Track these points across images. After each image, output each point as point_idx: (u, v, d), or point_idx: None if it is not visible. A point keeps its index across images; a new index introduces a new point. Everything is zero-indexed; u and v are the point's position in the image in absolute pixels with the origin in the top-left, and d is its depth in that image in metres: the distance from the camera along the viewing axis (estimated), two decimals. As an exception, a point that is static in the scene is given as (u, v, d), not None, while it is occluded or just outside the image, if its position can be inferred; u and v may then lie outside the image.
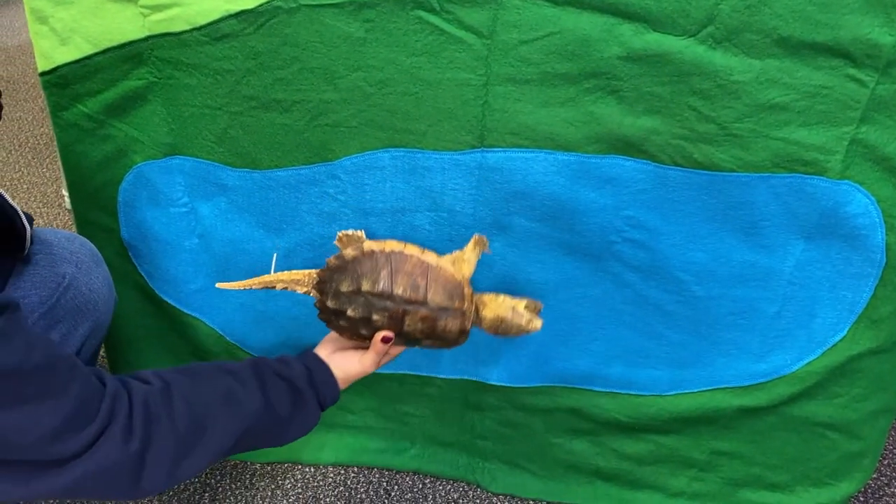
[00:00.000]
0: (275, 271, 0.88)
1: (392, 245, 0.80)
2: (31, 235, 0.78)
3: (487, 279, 0.89)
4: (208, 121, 0.85)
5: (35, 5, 0.81)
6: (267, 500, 1.11)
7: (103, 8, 0.80)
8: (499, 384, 1.01)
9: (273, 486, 1.13)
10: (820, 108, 0.72)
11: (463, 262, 0.81)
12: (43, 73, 0.85)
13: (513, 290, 0.90)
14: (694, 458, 1.01)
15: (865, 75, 0.70)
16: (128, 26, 0.80)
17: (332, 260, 0.82)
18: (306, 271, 0.85)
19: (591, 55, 0.73)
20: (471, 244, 0.82)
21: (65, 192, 1.71)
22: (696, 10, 0.69)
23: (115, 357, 1.12)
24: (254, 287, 0.86)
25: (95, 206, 0.95)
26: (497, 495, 1.12)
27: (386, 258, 0.79)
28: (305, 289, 0.85)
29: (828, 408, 0.91)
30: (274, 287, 0.85)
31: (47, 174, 1.89)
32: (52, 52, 0.83)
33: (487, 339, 0.89)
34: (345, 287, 0.79)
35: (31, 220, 0.79)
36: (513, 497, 1.12)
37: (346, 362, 0.82)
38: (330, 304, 0.81)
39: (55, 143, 0.92)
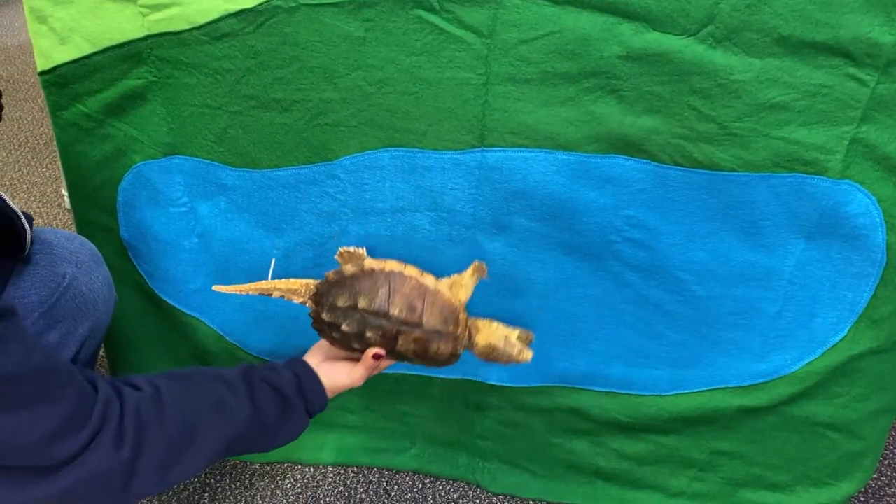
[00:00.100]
0: (272, 278, 0.88)
1: (392, 265, 0.80)
2: (32, 237, 0.78)
3: (488, 279, 0.89)
4: (208, 120, 0.85)
5: (34, 5, 0.81)
6: (267, 499, 1.11)
7: (102, 7, 0.79)
8: (499, 384, 1.01)
9: (273, 486, 1.13)
10: (820, 107, 0.72)
11: (460, 288, 0.81)
12: (42, 73, 0.85)
13: (513, 290, 0.90)
14: (694, 458, 1.01)
15: (866, 74, 0.70)
16: (127, 26, 0.80)
17: (331, 274, 0.82)
18: (304, 281, 0.85)
19: (591, 54, 0.73)
20: (470, 270, 0.83)
21: (64, 192, 1.71)
22: (696, 9, 0.69)
23: (115, 357, 1.11)
24: (250, 293, 0.86)
25: (95, 206, 0.95)
26: (497, 495, 1.12)
27: (385, 278, 0.79)
28: (301, 299, 0.85)
29: (828, 408, 0.91)
30: (270, 294, 0.86)
31: (47, 174, 1.89)
32: (51, 52, 0.83)
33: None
34: (341, 302, 0.80)
35: (30, 220, 0.79)
36: (513, 497, 1.11)
37: (335, 373, 0.83)
38: (325, 316, 0.81)
39: (55, 142, 0.92)
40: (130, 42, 0.81)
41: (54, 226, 1.70)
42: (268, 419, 0.75)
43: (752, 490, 1.01)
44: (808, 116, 0.73)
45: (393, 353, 0.81)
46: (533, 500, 1.11)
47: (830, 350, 0.87)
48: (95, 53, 0.82)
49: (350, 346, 0.82)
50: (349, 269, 0.81)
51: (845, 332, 0.86)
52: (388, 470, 1.15)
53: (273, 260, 0.92)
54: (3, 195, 0.74)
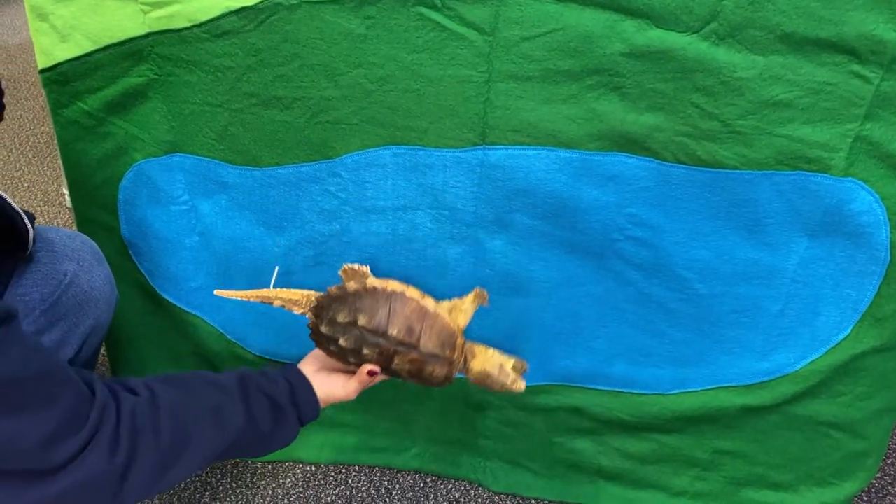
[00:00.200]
0: (274, 286, 0.88)
1: (395, 285, 0.81)
2: (34, 236, 0.78)
3: (489, 278, 0.89)
4: (209, 118, 0.85)
5: (35, 2, 0.81)
6: (268, 498, 1.11)
7: (103, 5, 0.79)
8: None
9: (274, 485, 1.13)
10: (824, 104, 0.72)
11: (460, 313, 0.82)
12: (43, 71, 0.84)
13: (514, 288, 0.90)
14: (697, 458, 1.01)
15: (870, 72, 0.70)
16: (128, 23, 0.80)
17: (333, 289, 0.83)
18: (305, 292, 0.85)
19: (594, 52, 0.73)
20: (471, 296, 0.83)
21: (65, 191, 1.71)
22: (700, 6, 0.68)
23: (116, 355, 1.11)
24: (251, 300, 0.86)
25: (95, 204, 0.95)
26: (499, 494, 1.12)
27: (387, 298, 0.80)
28: (302, 310, 0.85)
29: (831, 407, 0.91)
30: (271, 303, 0.86)
31: (48, 172, 1.89)
32: (52, 49, 0.83)
33: (488, 338, 0.88)
34: (341, 317, 0.80)
35: (32, 219, 0.79)
36: (515, 496, 1.11)
37: (329, 384, 0.83)
38: (324, 329, 0.82)
39: (56, 141, 0.92)
40: (131, 40, 0.81)
41: (55, 224, 1.70)
42: (261, 427, 0.76)
43: (754, 489, 1.01)
44: (811, 114, 0.72)
45: (388, 370, 0.82)
46: (535, 500, 1.11)
47: (834, 349, 0.87)
48: (96, 51, 0.82)
49: (346, 360, 0.83)
50: (352, 285, 0.82)
51: (849, 330, 0.85)
52: (389, 469, 1.15)
53: (276, 268, 0.91)
54: (5, 195, 0.74)
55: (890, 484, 1.12)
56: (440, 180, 0.83)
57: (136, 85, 0.84)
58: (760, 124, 0.73)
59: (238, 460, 1.16)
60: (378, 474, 1.14)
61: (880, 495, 1.10)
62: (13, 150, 1.98)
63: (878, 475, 1.13)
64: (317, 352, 0.86)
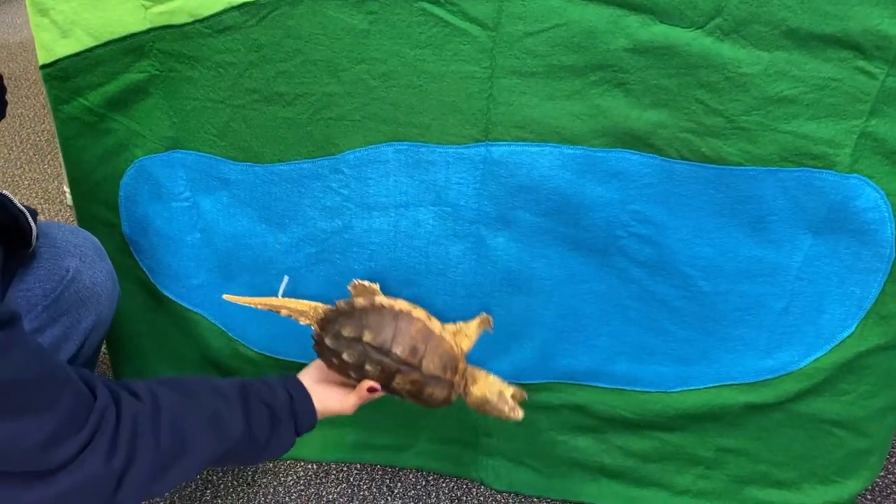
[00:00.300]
0: (283, 296, 0.89)
1: (402, 305, 0.82)
2: (37, 233, 0.78)
3: (492, 275, 0.89)
4: (210, 114, 0.84)
5: (36, -3, 0.81)
6: (269, 496, 1.11)
7: (104, 0, 0.79)
8: (502, 380, 1.00)
9: (275, 483, 1.12)
10: (829, 100, 0.71)
11: (464, 337, 0.83)
12: (44, 66, 0.84)
13: (517, 286, 0.90)
14: (700, 456, 1.00)
15: (875, 67, 0.69)
16: (129, 18, 0.79)
17: (341, 303, 0.83)
18: (313, 304, 0.85)
19: (598, 47, 0.72)
20: (476, 321, 0.84)
21: (66, 189, 1.71)
22: (704, 1, 0.68)
23: (117, 353, 1.11)
24: (259, 307, 0.87)
25: (96, 201, 0.95)
26: (501, 493, 1.11)
27: (393, 316, 0.81)
28: (308, 321, 0.85)
29: (835, 405, 0.91)
30: (279, 312, 0.86)
31: (49, 171, 1.89)
32: (52, 45, 0.82)
33: (490, 336, 0.88)
34: (347, 332, 0.81)
35: (34, 214, 0.79)
36: (517, 494, 1.11)
37: (327, 397, 0.83)
38: (328, 342, 0.82)
39: (56, 139, 0.92)
40: (132, 35, 0.80)
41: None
42: (259, 436, 0.76)
43: (758, 488, 1.01)
44: (816, 110, 0.72)
45: (387, 388, 0.83)
46: (537, 498, 1.10)
47: (838, 346, 0.86)
48: (97, 47, 0.81)
49: (346, 374, 0.83)
50: (360, 301, 0.83)
51: (853, 328, 0.85)
52: (391, 467, 1.15)
53: (286, 278, 0.92)
54: (9, 194, 0.74)
55: (894, 482, 1.12)
56: (443, 177, 0.83)
57: (138, 81, 0.84)
58: (765, 120, 0.73)
59: (239, 458, 1.16)
60: (380, 472, 1.14)
61: (884, 494, 1.10)
62: (14, 149, 1.97)
63: (882, 473, 1.12)
64: (318, 363, 0.86)
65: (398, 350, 0.79)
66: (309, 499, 1.10)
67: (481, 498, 1.11)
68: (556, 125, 0.77)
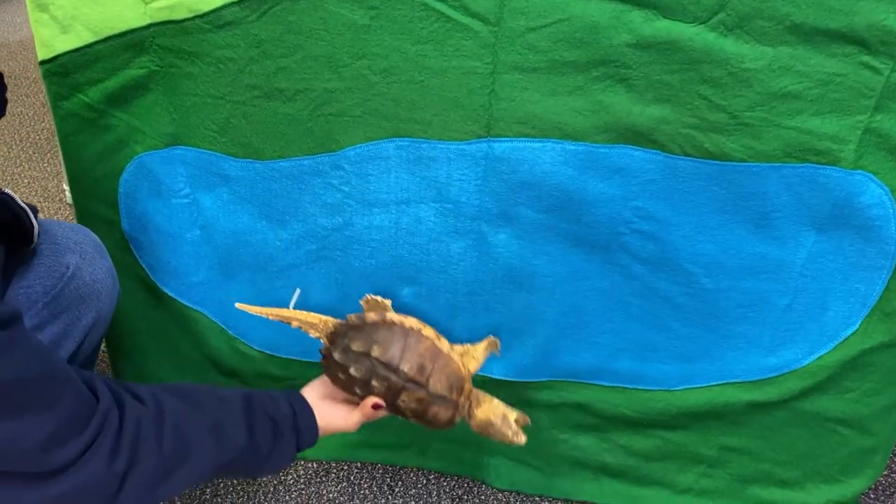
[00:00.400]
0: (294, 307, 0.88)
1: (413, 322, 0.82)
2: (38, 231, 0.78)
3: (493, 272, 0.88)
4: (210, 110, 0.84)
5: (35, -7, 0.80)
6: (270, 495, 1.10)
7: (104, -5, 0.79)
8: (503, 378, 0.99)
9: (276, 482, 1.12)
10: (833, 96, 0.71)
11: (472, 359, 0.83)
12: (43, 62, 0.84)
13: (519, 283, 0.89)
14: (702, 454, 1.00)
15: (880, 63, 0.69)
16: (129, 14, 0.79)
17: (352, 317, 0.83)
18: (323, 317, 0.85)
19: (600, 42, 0.72)
20: (484, 343, 0.85)
21: (66, 187, 1.71)
22: (707, -4, 0.68)
23: (116, 350, 1.11)
24: (271, 317, 0.87)
25: (96, 198, 0.94)
26: (502, 491, 1.11)
27: (403, 333, 0.81)
28: (318, 334, 0.85)
29: (839, 403, 0.90)
30: (289, 323, 0.86)
31: (48, 169, 1.88)
32: (52, 41, 0.82)
33: (493, 334, 0.88)
34: (356, 346, 0.81)
35: (35, 211, 0.78)
36: (518, 493, 1.11)
37: (331, 414, 0.83)
38: (336, 355, 0.82)
39: (56, 138, 0.91)
40: (132, 31, 0.80)
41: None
42: (261, 449, 0.76)
43: (761, 486, 1.00)
44: (820, 105, 0.72)
45: (392, 406, 0.82)
46: (538, 497, 1.10)
47: (842, 344, 0.86)
48: (97, 42, 0.81)
49: (352, 390, 0.83)
50: (371, 316, 0.83)
51: (857, 325, 0.85)
52: (392, 466, 1.14)
53: (297, 290, 0.92)
54: (12, 193, 0.74)
55: (896, 481, 1.11)
56: (444, 173, 0.82)
57: (137, 77, 0.83)
58: (769, 116, 0.73)
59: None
60: (381, 471, 1.14)
61: (888, 492, 1.10)
62: (13, 147, 1.97)
63: (886, 472, 1.12)
64: (323, 379, 0.86)
65: (406, 367, 0.79)
66: (309, 497, 1.10)
67: (482, 497, 1.10)
68: (558, 121, 0.77)
